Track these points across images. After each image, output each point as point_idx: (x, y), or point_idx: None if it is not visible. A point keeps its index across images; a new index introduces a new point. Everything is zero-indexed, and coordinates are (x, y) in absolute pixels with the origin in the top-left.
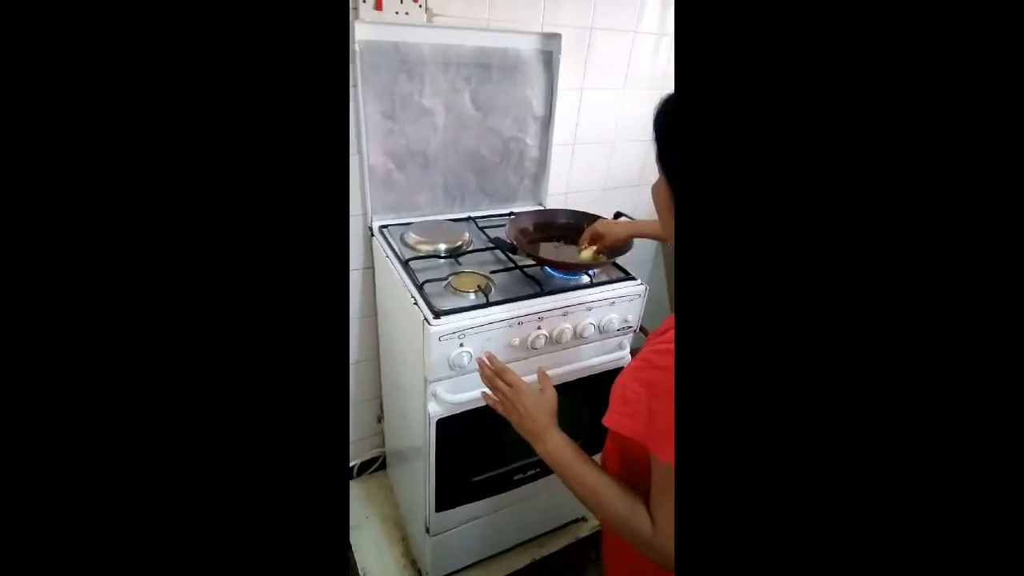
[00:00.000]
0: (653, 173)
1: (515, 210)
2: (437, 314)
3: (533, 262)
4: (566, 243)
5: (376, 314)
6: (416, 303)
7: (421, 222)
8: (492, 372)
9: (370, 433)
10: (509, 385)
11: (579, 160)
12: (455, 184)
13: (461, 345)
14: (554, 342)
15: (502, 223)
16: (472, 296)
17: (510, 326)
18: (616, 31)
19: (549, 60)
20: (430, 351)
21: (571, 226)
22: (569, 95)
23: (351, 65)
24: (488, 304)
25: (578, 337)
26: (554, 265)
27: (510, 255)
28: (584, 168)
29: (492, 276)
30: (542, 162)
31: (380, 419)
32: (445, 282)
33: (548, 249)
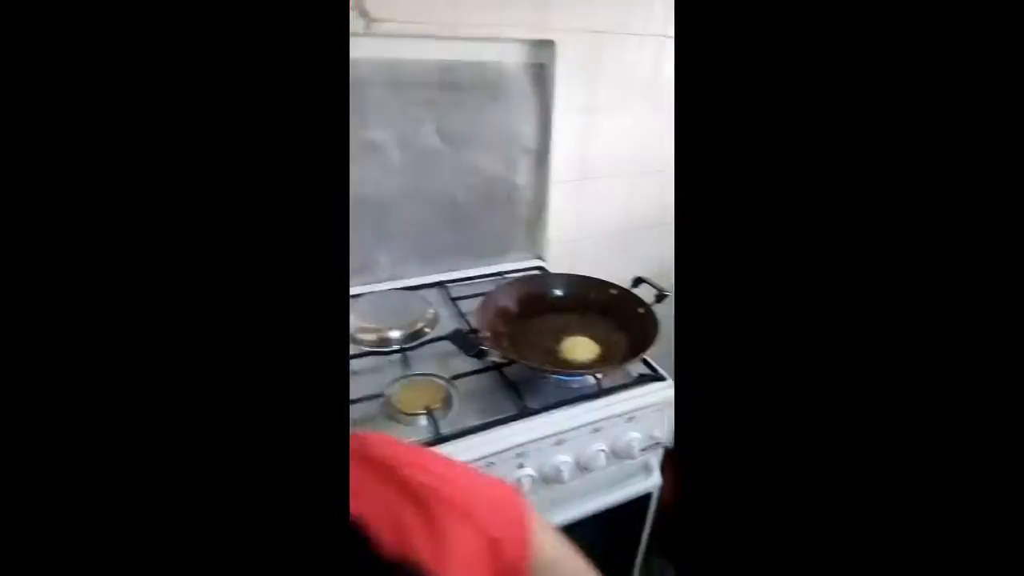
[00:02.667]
0: None
1: (504, 268)
2: None
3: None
4: (565, 324)
5: None
6: None
7: (371, 294)
8: None
9: None
10: None
11: (590, 199)
12: (423, 239)
13: None
14: (547, 482)
15: (485, 289)
16: (422, 422)
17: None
18: (632, 35)
19: (541, 75)
20: None
21: (572, 298)
22: (572, 119)
23: None
24: (439, 440)
25: (583, 470)
26: (542, 369)
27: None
28: (598, 208)
29: (454, 383)
30: (538, 205)
31: None
32: (382, 399)
33: (541, 334)
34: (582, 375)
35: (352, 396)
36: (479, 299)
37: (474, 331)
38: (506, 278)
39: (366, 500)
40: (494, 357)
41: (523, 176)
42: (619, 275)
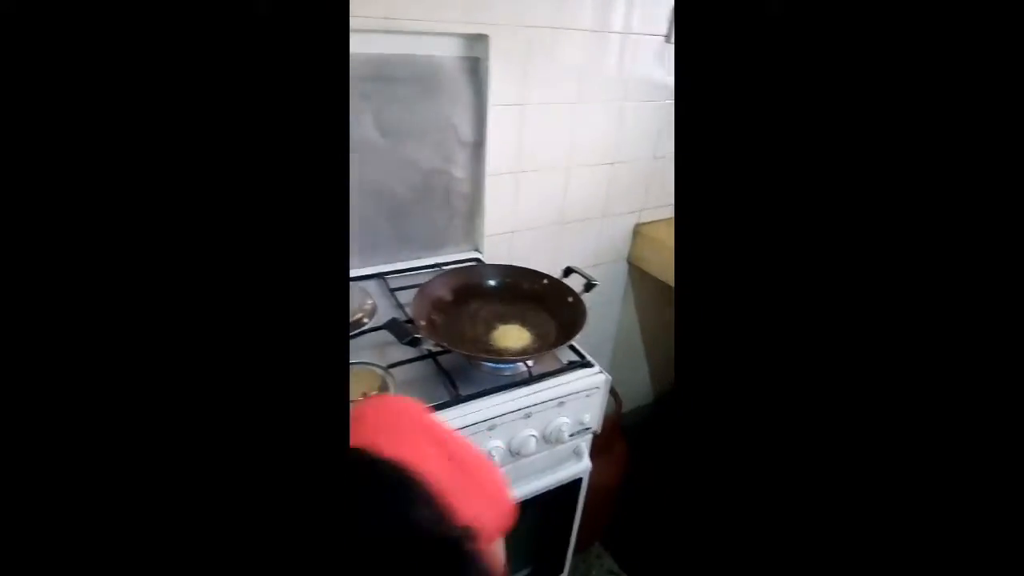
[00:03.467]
0: (618, 202)
1: (442, 259)
2: None
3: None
4: (497, 313)
5: None
6: None
7: None
8: None
9: None
10: None
11: (526, 191)
12: (362, 231)
13: None
14: None
15: (426, 277)
16: None
17: None
18: (564, 29)
19: (475, 69)
20: None
21: (504, 288)
22: (507, 112)
23: None
24: None
25: (515, 455)
26: (474, 356)
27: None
28: (534, 200)
29: (390, 371)
30: (475, 198)
31: None
32: None
33: (474, 323)
34: (513, 363)
35: None
36: (416, 289)
37: (409, 320)
38: (443, 269)
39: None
40: (428, 346)
41: (460, 169)
42: (551, 266)
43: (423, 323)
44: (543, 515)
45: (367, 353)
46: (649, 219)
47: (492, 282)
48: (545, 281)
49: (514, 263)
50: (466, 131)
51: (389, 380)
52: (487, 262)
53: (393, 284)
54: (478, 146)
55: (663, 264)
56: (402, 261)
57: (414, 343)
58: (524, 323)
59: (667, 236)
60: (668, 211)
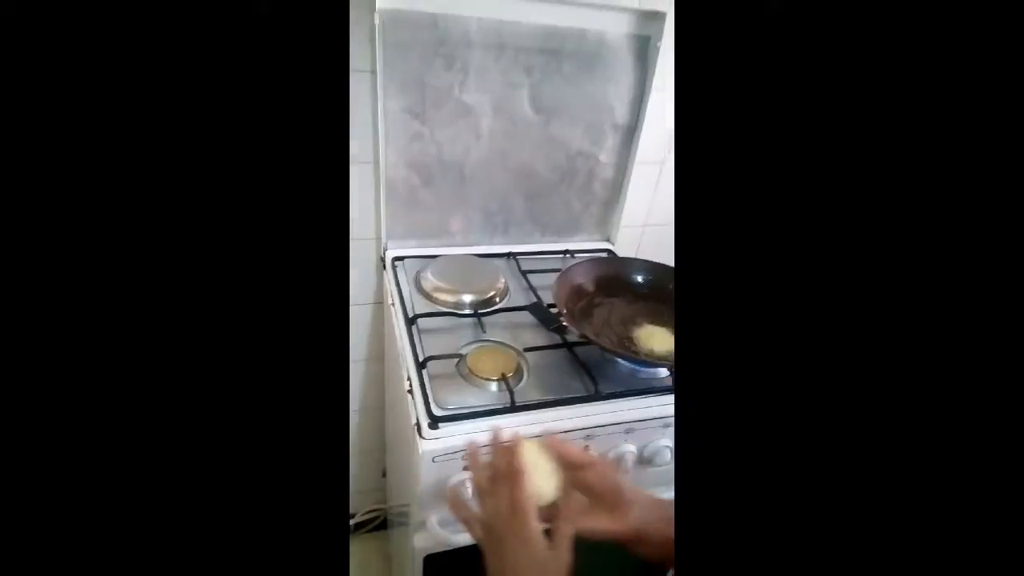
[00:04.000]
0: None
1: (573, 247)
2: (434, 421)
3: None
4: (642, 311)
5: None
6: (411, 392)
7: (447, 256)
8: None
9: (372, 487)
10: (511, 478)
11: (667, 183)
12: (499, 209)
13: (467, 469)
14: None
15: (553, 266)
16: (493, 388)
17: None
18: None
19: (645, 49)
20: (418, 475)
21: (650, 286)
22: (665, 98)
23: (372, 43)
24: (513, 408)
25: (646, 463)
26: (618, 352)
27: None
28: (670, 197)
29: (525, 355)
30: (617, 186)
31: (384, 475)
32: (458, 360)
33: (615, 318)
34: (659, 366)
35: (429, 353)
36: (549, 275)
37: (551, 306)
38: (576, 257)
39: None
40: (572, 335)
41: (607, 153)
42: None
43: (564, 311)
44: None
45: (500, 332)
46: None
47: (639, 278)
48: None
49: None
50: (622, 113)
51: (523, 364)
52: (619, 254)
53: (525, 266)
54: (630, 131)
55: None
56: (533, 243)
57: (560, 331)
58: (670, 327)
59: None
60: None
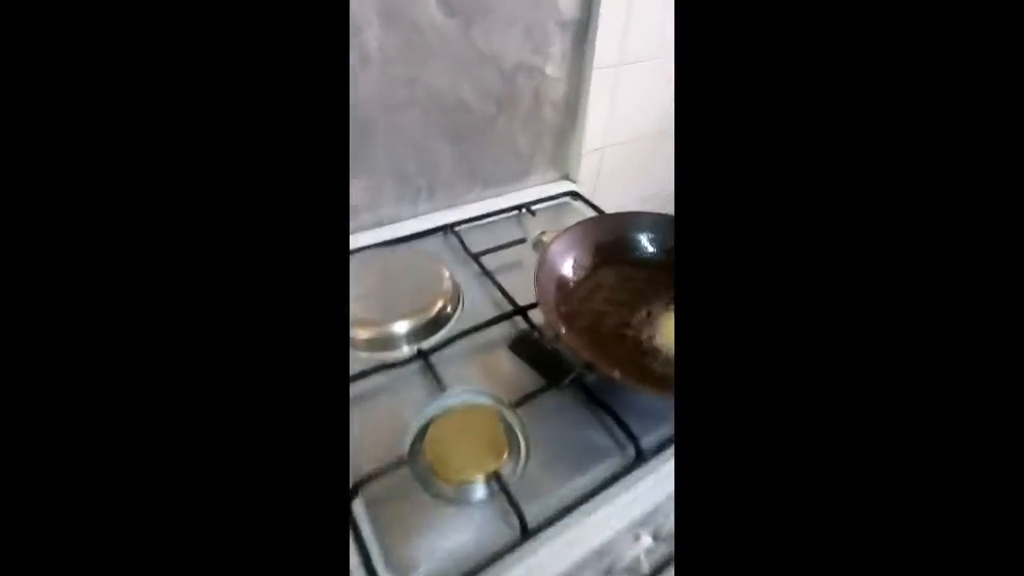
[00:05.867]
0: None
1: (528, 198)
2: None
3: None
4: (656, 290)
5: None
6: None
7: (358, 257)
8: None
9: None
10: None
11: (625, 93)
12: (416, 165)
13: None
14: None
15: (510, 233)
16: (480, 494)
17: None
18: None
19: None
20: None
21: (661, 247)
22: None
23: None
24: (525, 536)
25: None
26: (651, 391)
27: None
28: (631, 105)
29: (515, 409)
30: (572, 106)
31: None
32: (411, 462)
33: (625, 316)
34: None
35: (359, 465)
36: (509, 250)
37: (530, 307)
38: (536, 214)
39: None
40: (587, 377)
41: (555, 64)
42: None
43: (562, 329)
44: None
45: (464, 371)
46: None
47: (643, 240)
48: None
49: (603, 191)
50: (568, 4)
51: (516, 429)
52: (582, 192)
53: (471, 241)
54: (582, 27)
55: None
56: (472, 204)
57: (556, 377)
58: None
59: None
60: None
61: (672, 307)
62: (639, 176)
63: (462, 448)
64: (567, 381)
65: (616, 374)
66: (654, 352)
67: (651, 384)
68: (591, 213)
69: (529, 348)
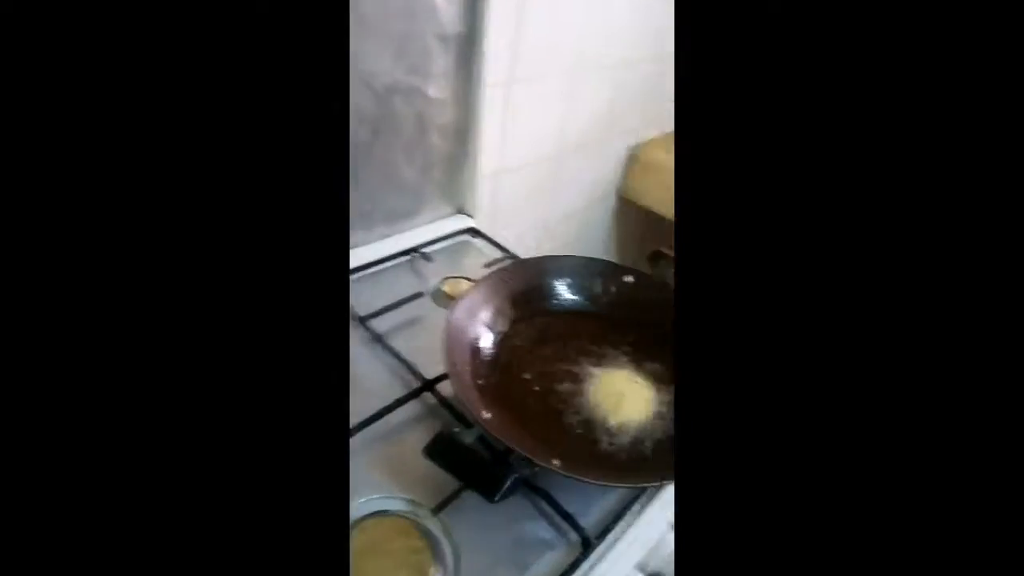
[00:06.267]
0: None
1: (419, 239)
2: None
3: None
4: (580, 345)
5: None
6: None
7: None
8: None
9: None
10: None
11: (517, 114)
12: None
13: None
14: None
15: (407, 286)
16: None
17: None
18: None
19: None
20: None
21: (581, 292)
22: None
23: None
24: None
25: None
26: (609, 484)
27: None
28: (524, 127)
29: (436, 514)
30: (463, 130)
31: None
32: None
33: (557, 375)
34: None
35: None
36: (406, 307)
37: (440, 379)
38: (431, 259)
39: None
40: (523, 472)
41: (438, 83)
42: (551, 221)
43: (484, 414)
44: None
45: (373, 471)
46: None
47: (560, 287)
48: (630, 279)
49: (502, 224)
50: (450, 16)
51: (443, 541)
52: (479, 227)
53: (355, 299)
54: (468, 43)
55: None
56: (354, 248)
57: (515, 488)
58: (635, 364)
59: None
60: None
61: (603, 365)
62: (540, 202)
63: (374, 571)
64: (504, 489)
65: (556, 463)
66: (591, 424)
67: (595, 468)
68: (494, 252)
69: (449, 451)
